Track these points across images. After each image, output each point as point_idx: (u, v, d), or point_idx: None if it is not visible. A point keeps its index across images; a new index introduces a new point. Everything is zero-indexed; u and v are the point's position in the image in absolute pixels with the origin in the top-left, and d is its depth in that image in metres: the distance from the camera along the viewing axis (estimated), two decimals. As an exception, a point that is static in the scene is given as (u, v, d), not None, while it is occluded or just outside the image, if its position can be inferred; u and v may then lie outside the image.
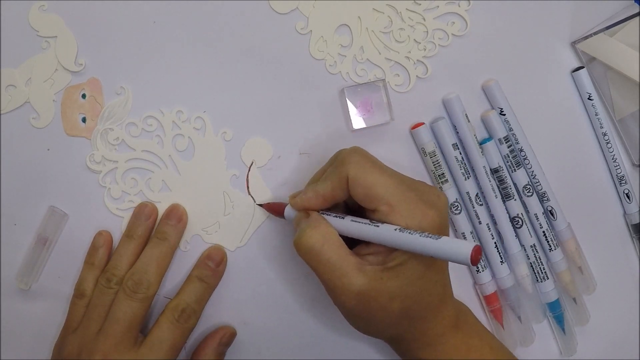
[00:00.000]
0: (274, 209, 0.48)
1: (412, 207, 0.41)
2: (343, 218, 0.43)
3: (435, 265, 0.42)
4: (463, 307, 0.47)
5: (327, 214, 0.44)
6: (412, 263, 0.41)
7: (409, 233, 0.39)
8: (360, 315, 0.42)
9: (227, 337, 0.49)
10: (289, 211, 0.46)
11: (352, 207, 0.46)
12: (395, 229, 0.40)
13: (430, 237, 0.38)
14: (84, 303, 0.47)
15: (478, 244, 0.33)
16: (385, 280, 0.40)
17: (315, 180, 0.45)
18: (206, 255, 0.49)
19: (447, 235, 0.43)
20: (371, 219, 0.42)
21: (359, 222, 0.42)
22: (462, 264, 0.36)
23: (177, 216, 0.48)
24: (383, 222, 0.41)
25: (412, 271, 0.41)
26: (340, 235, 0.43)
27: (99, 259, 0.48)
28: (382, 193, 0.41)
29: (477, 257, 0.35)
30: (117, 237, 0.49)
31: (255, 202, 0.50)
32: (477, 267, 0.50)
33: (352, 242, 0.43)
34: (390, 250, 0.41)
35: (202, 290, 0.48)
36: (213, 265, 0.49)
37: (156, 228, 0.49)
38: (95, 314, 0.46)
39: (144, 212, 0.48)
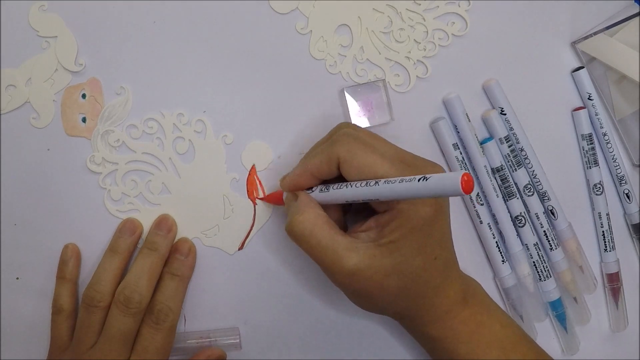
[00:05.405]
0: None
1: None
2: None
3: (433, 240, 0.41)
4: (472, 282, 0.46)
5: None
6: (406, 241, 0.40)
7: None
8: (358, 293, 0.43)
9: (214, 357, 0.49)
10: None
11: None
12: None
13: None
14: (64, 317, 0.47)
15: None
16: (378, 258, 0.40)
17: (309, 156, 0.45)
18: (174, 249, 0.48)
19: (447, 205, 0.43)
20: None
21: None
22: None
23: (167, 226, 0.48)
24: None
25: (406, 249, 0.40)
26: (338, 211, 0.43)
27: (70, 271, 0.48)
28: (377, 173, 0.40)
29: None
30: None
31: (255, 204, 0.50)
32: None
33: (346, 225, 0.43)
34: (382, 226, 0.41)
35: (175, 285, 0.47)
36: (182, 257, 0.48)
37: (146, 238, 0.48)
38: (85, 334, 0.46)
39: (128, 227, 0.48)
